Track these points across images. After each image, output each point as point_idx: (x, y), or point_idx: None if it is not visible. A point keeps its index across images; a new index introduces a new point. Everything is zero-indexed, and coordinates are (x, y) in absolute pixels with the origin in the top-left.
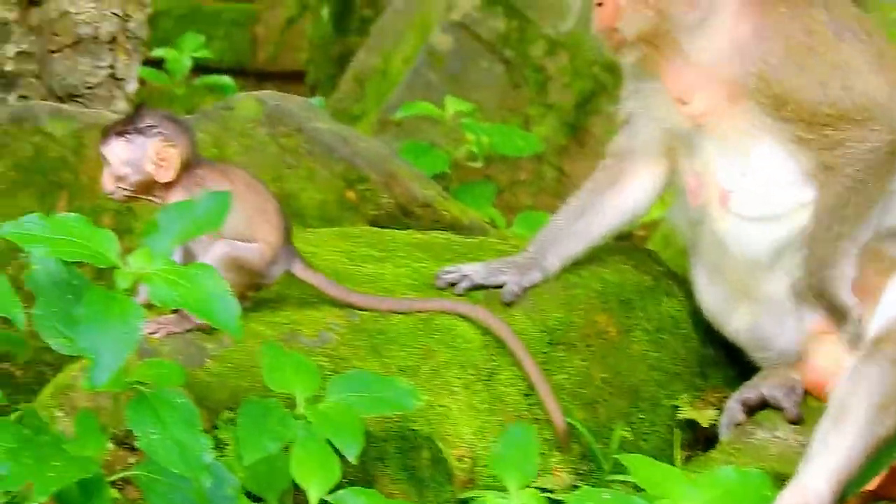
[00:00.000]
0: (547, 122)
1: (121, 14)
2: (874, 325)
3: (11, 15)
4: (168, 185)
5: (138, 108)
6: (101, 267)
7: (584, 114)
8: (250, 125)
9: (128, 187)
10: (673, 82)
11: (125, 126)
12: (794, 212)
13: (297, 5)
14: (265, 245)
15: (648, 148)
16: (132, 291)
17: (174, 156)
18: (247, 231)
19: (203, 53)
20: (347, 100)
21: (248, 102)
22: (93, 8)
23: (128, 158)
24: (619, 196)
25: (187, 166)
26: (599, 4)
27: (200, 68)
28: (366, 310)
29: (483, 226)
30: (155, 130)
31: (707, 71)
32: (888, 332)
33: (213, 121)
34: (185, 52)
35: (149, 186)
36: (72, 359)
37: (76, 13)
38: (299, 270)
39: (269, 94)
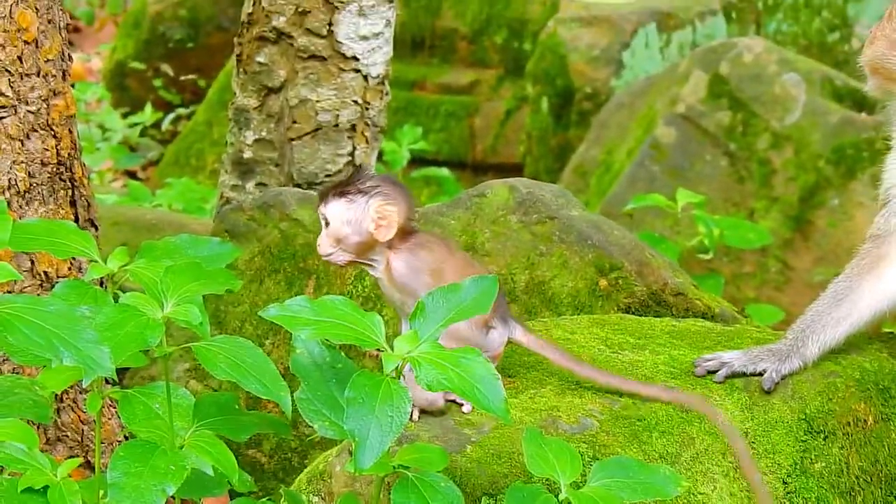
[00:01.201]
0: (771, 215)
1: (360, 102)
2: None
3: (251, 102)
4: (388, 247)
5: (358, 169)
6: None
7: (808, 207)
8: (502, 213)
9: (347, 249)
10: None
11: (346, 186)
12: None
13: (515, 98)
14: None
15: None
16: (398, 374)
17: (394, 214)
18: None
19: (421, 145)
20: (569, 192)
21: (500, 190)
22: (333, 95)
23: (349, 218)
24: (879, 281)
25: (406, 231)
26: (872, 42)
27: (418, 160)
28: (586, 379)
29: (735, 315)
30: (376, 190)
31: None
32: None
33: (465, 208)
34: (403, 144)
35: (368, 248)
36: (320, 446)
37: (316, 100)
38: (519, 335)
39: (521, 182)
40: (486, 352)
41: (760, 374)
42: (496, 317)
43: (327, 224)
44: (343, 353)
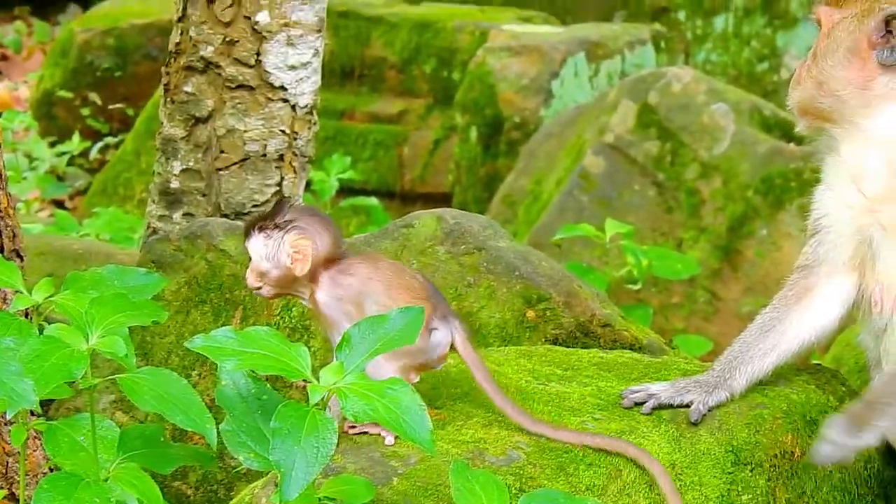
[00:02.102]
0: (700, 245)
1: (288, 131)
2: None
3: (179, 132)
4: (312, 279)
5: (278, 202)
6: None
7: (736, 237)
8: (430, 243)
9: (270, 282)
10: (850, 161)
11: (264, 221)
12: None
13: (444, 127)
14: None
15: (834, 259)
16: (323, 405)
17: (308, 248)
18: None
19: (349, 175)
20: (497, 221)
21: (428, 220)
22: (261, 125)
23: (266, 253)
24: (806, 312)
25: (331, 259)
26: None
27: (347, 189)
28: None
29: (662, 346)
30: (291, 224)
31: (884, 150)
32: None
33: (393, 239)
34: (331, 174)
35: (290, 281)
36: (246, 478)
37: (244, 130)
38: (458, 342)
39: (449, 212)
40: (430, 355)
41: (687, 406)
42: (437, 316)
43: (250, 258)
44: (269, 385)
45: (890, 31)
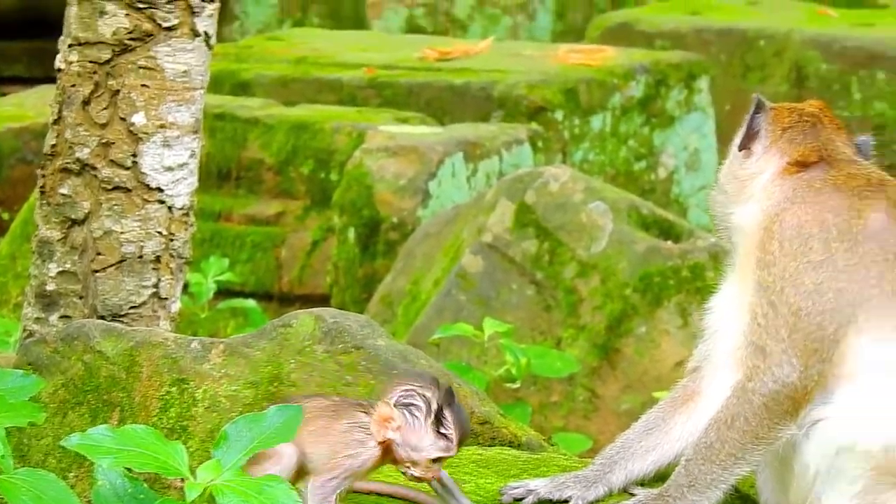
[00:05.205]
0: (578, 343)
1: (165, 233)
2: None
3: (55, 234)
4: None
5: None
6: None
7: (615, 335)
8: (308, 343)
9: None
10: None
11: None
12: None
13: (321, 228)
14: None
15: (721, 362)
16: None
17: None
18: None
19: (227, 277)
20: (376, 322)
21: (306, 320)
22: (137, 226)
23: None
24: (692, 415)
25: None
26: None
27: (224, 291)
28: None
29: (541, 443)
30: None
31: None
32: None
33: (270, 339)
34: (208, 276)
35: None
36: None
37: (121, 232)
38: None
39: (327, 311)
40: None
41: (566, 502)
42: None
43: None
44: (145, 485)
45: (751, 124)
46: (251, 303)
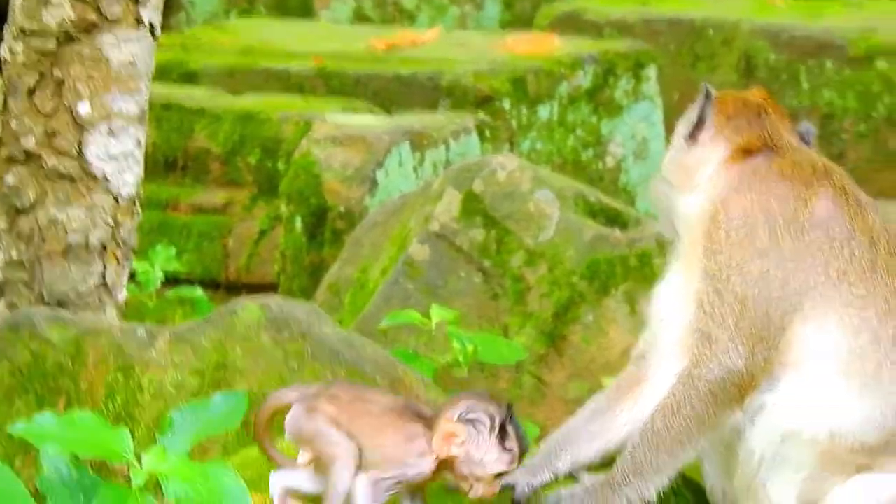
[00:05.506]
0: (525, 331)
1: (111, 222)
2: None
3: (1, 223)
4: None
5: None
6: None
7: (562, 323)
8: (254, 330)
9: None
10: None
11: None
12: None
13: (269, 217)
14: None
15: (667, 350)
16: (146, 488)
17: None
18: None
19: (174, 266)
20: (323, 310)
21: (252, 308)
22: (83, 215)
23: None
24: (638, 400)
25: None
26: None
27: (171, 280)
28: None
29: None
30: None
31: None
32: None
33: (217, 326)
34: (155, 264)
35: None
36: None
37: (66, 221)
38: None
39: (273, 299)
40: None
41: (513, 488)
42: None
43: None
44: (90, 471)
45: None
46: (198, 291)
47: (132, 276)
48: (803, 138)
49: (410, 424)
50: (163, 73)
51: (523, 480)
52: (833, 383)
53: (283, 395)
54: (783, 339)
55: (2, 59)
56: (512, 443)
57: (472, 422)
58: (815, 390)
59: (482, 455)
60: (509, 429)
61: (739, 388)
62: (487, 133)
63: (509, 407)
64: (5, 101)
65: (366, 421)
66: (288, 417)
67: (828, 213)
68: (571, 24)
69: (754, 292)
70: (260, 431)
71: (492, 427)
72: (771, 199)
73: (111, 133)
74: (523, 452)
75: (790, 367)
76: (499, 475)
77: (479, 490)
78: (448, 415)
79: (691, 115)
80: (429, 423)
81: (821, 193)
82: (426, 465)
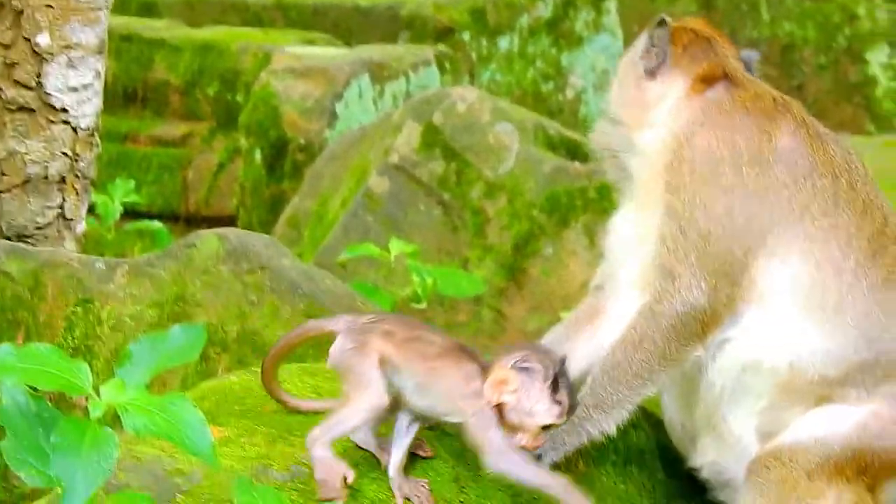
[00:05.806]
0: (485, 264)
1: (70, 154)
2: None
3: None
4: None
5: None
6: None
7: (522, 256)
8: (212, 262)
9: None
10: (635, 178)
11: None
12: (755, 341)
13: (228, 150)
14: None
15: (626, 283)
16: (105, 420)
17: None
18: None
19: (133, 198)
20: (282, 243)
21: (211, 240)
22: (42, 147)
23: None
24: (596, 332)
25: None
26: None
27: (131, 213)
28: None
29: None
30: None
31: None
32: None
33: (175, 259)
34: (115, 197)
35: None
36: (31, 496)
37: (25, 153)
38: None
39: (232, 231)
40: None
41: None
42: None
43: None
44: (50, 404)
45: (653, 45)
46: (157, 224)
47: (91, 209)
48: (747, 66)
49: (467, 364)
50: (122, 4)
51: None
52: (794, 316)
53: (326, 323)
54: (746, 276)
55: None
56: (563, 396)
57: (526, 370)
58: (777, 323)
59: (532, 405)
60: (561, 382)
61: (702, 324)
62: (447, 65)
63: (562, 361)
64: None
65: (421, 360)
66: (334, 347)
67: (790, 148)
68: None
69: (718, 229)
70: (274, 361)
71: (545, 377)
72: (736, 134)
73: (70, 64)
74: (573, 407)
75: (753, 303)
76: (545, 427)
77: (523, 440)
78: (503, 362)
79: (641, 46)
80: (483, 367)
81: (783, 128)
82: (480, 407)
